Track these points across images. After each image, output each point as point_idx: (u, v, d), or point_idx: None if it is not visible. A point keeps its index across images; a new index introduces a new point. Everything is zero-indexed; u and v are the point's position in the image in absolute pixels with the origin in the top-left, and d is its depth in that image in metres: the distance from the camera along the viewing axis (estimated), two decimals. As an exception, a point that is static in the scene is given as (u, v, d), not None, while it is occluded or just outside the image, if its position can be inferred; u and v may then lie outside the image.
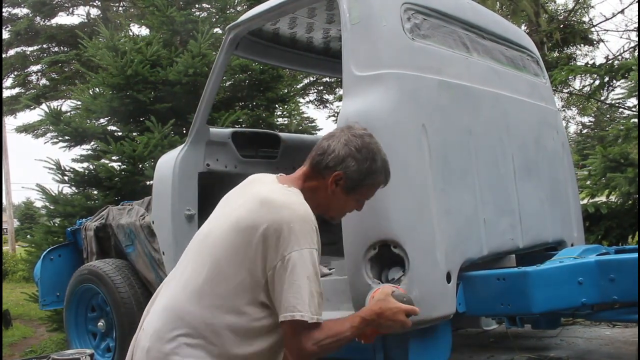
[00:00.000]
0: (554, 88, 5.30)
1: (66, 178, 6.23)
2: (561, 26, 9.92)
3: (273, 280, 1.59)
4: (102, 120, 6.76)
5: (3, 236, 20.08)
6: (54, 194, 6.07)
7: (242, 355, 1.61)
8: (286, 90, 7.47)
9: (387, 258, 2.31)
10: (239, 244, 1.61)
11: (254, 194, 1.70)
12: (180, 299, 1.64)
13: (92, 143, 6.55)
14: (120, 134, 6.40)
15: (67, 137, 6.39)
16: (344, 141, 1.80)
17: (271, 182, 1.79)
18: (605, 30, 10.73)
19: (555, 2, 13.62)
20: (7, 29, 13.33)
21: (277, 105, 7.38)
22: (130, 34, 7.53)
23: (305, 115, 10.95)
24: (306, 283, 1.58)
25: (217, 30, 7.16)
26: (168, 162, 3.37)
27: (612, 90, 6.34)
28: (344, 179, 1.78)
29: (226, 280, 1.61)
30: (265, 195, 1.68)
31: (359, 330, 1.72)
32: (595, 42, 10.55)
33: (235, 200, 1.77)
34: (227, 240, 1.63)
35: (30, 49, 13.85)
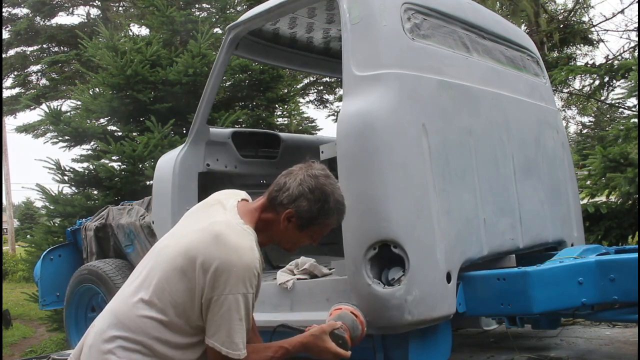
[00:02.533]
0: (554, 88, 5.30)
1: (66, 178, 6.23)
2: (561, 26, 9.92)
3: (207, 308, 1.71)
4: (102, 120, 6.76)
5: (3, 236, 20.08)
6: (54, 194, 6.07)
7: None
8: (286, 90, 7.47)
9: (387, 258, 2.31)
10: (185, 269, 1.72)
11: (212, 225, 1.78)
12: (126, 303, 1.76)
13: (92, 143, 6.55)
14: (120, 134, 6.40)
15: (67, 137, 6.39)
16: (299, 180, 1.89)
17: (231, 211, 1.87)
18: (605, 30, 10.73)
19: (555, 2, 13.61)
20: (7, 29, 13.32)
21: (277, 105, 7.39)
22: (130, 34, 7.53)
23: (305, 115, 10.95)
24: (238, 324, 1.71)
25: (217, 30, 7.16)
26: (168, 162, 3.37)
27: (612, 90, 6.35)
28: (296, 217, 1.86)
29: (169, 298, 1.72)
30: (219, 230, 1.76)
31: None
32: (595, 42, 10.55)
33: (195, 220, 1.86)
34: (176, 262, 1.74)
35: (30, 49, 13.84)
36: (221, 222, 1.80)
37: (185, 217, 1.97)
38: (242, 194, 2.00)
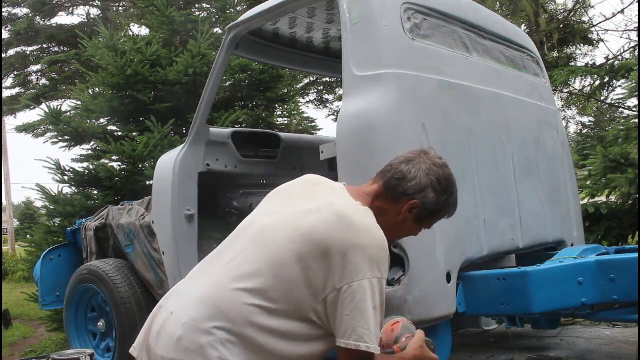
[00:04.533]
0: (554, 88, 5.30)
1: (66, 178, 6.23)
2: (561, 26, 9.92)
3: (336, 301, 1.50)
4: (102, 120, 6.76)
5: (3, 236, 20.08)
6: (54, 194, 6.07)
7: (287, 356, 1.54)
8: (286, 90, 7.47)
9: (387, 258, 2.31)
10: (305, 254, 1.52)
11: (330, 205, 1.61)
12: (225, 289, 1.53)
13: (92, 143, 6.55)
14: (120, 134, 6.40)
15: (67, 137, 6.39)
16: (426, 169, 1.72)
17: (341, 192, 1.70)
18: (605, 30, 10.73)
19: (555, 2, 13.61)
20: (7, 29, 13.33)
21: (277, 105, 7.39)
22: (130, 34, 7.53)
23: (305, 115, 10.96)
24: (373, 314, 1.51)
25: (217, 30, 7.16)
26: (168, 162, 3.37)
27: (613, 90, 6.35)
28: (420, 209, 1.72)
29: (281, 286, 1.51)
30: (342, 211, 1.59)
31: None
32: (595, 42, 10.55)
33: (301, 201, 1.67)
34: (293, 246, 1.53)
35: (30, 49, 13.85)
36: (340, 203, 1.62)
37: (276, 197, 1.76)
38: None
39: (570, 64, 7.63)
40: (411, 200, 1.70)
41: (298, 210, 1.62)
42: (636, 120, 5.03)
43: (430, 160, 1.75)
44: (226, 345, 1.48)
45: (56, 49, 13.48)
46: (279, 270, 1.52)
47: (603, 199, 5.18)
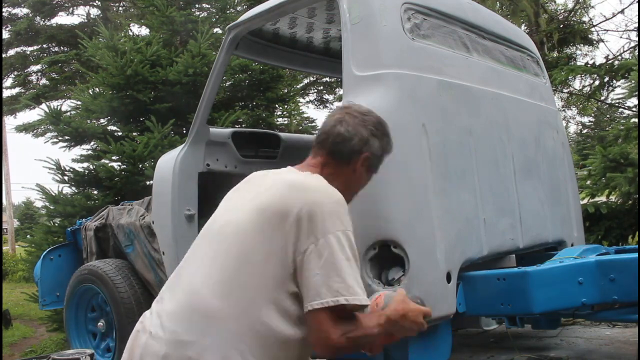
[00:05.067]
0: (554, 88, 5.30)
1: (66, 178, 6.23)
2: (561, 26, 9.92)
3: (302, 265, 1.45)
4: (102, 120, 6.76)
5: (3, 236, 20.08)
6: (54, 194, 6.07)
7: (283, 340, 1.48)
8: (286, 90, 7.47)
9: (387, 258, 2.31)
10: (268, 229, 1.48)
11: (280, 180, 1.62)
12: (204, 294, 1.48)
13: (92, 143, 6.55)
14: (120, 134, 6.40)
15: (67, 137, 6.39)
16: (360, 122, 1.75)
17: (289, 171, 1.73)
18: (605, 30, 10.73)
19: (555, 2, 13.61)
20: (7, 29, 13.32)
21: (277, 105, 7.38)
22: (130, 34, 7.53)
23: (305, 115, 10.95)
24: (347, 265, 1.45)
25: (217, 30, 7.16)
26: (168, 162, 3.37)
27: (612, 90, 6.35)
28: (370, 159, 1.75)
29: (256, 270, 1.47)
30: (293, 179, 1.61)
31: (383, 330, 1.57)
32: (595, 42, 10.55)
33: (250, 190, 1.66)
34: (255, 227, 1.50)
35: (30, 49, 13.84)
36: (288, 176, 1.65)
37: (229, 197, 1.74)
38: None
39: (570, 64, 7.62)
40: (362, 155, 1.73)
41: (248, 198, 1.61)
42: (636, 120, 5.03)
43: (357, 112, 1.78)
44: (215, 355, 1.43)
45: (56, 49, 13.48)
46: (251, 257, 1.48)
47: (603, 198, 5.19)
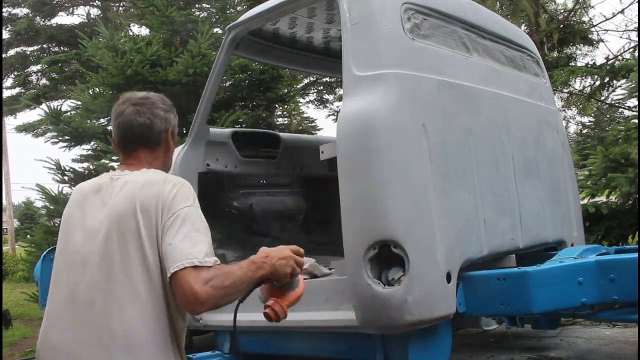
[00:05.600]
0: (554, 88, 5.30)
1: (66, 178, 6.23)
2: (561, 26, 9.91)
3: (163, 237, 1.61)
4: (102, 120, 6.76)
5: (3, 236, 20.08)
6: (54, 194, 6.08)
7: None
8: (286, 90, 7.47)
9: (387, 258, 2.31)
10: (128, 232, 1.63)
11: (127, 186, 1.72)
12: (93, 325, 1.59)
13: (92, 143, 6.55)
14: (120, 134, 6.39)
15: (67, 137, 6.39)
16: (150, 106, 1.89)
17: (124, 174, 1.81)
18: (605, 30, 10.72)
19: (555, 2, 13.61)
20: (7, 29, 13.32)
21: (277, 105, 7.39)
22: (130, 34, 7.53)
23: (305, 115, 10.97)
24: (197, 235, 1.61)
25: (217, 30, 7.16)
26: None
27: (613, 90, 6.35)
28: (174, 130, 1.96)
29: (147, 274, 1.61)
30: (140, 180, 1.73)
31: (249, 272, 1.64)
32: (595, 42, 10.55)
33: (95, 207, 1.75)
34: (125, 231, 1.64)
35: (30, 49, 13.85)
36: (132, 180, 1.75)
37: (71, 220, 1.79)
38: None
39: (570, 64, 7.62)
40: (168, 132, 1.91)
41: (99, 216, 1.71)
42: (636, 120, 5.03)
43: (141, 99, 1.90)
44: None
45: (56, 49, 13.48)
46: (124, 268, 1.61)
47: (603, 199, 5.18)
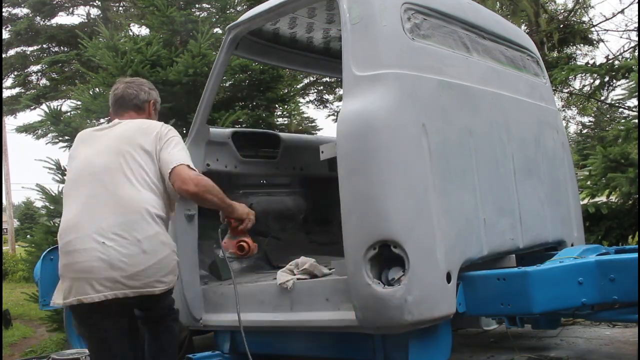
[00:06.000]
0: (554, 88, 5.30)
1: (66, 178, 6.21)
2: (561, 26, 9.91)
3: (161, 150, 2.41)
4: (102, 120, 6.74)
5: (3, 236, 20.08)
6: (54, 194, 6.07)
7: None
8: (286, 90, 7.46)
9: (387, 258, 2.31)
10: (149, 149, 2.42)
11: (128, 124, 2.54)
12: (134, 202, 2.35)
13: (92, 143, 6.53)
14: (120, 134, 6.38)
15: (67, 137, 6.38)
16: (138, 85, 2.71)
17: (117, 124, 2.59)
18: (605, 30, 10.71)
19: (555, 2, 13.61)
20: (7, 29, 13.32)
21: (277, 105, 7.37)
22: (130, 34, 7.52)
23: (305, 115, 10.95)
24: (184, 151, 2.46)
25: (217, 30, 7.15)
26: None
27: (612, 90, 6.35)
28: (155, 104, 2.74)
29: (150, 170, 2.40)
30: (138, 124, 2.53)
31: (227, 202, 2.59)
32: (595, 42, 10.54)
33: (102, 139, 2.55)
34: (137, 150, 2.41)
35: (30, 49, 13.84)
36: (130, 124, 2.54)
37: (84, 142, 2.69)
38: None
39: (570, 64, 7.61)
40: (150, 102, 2.71)
41: (103, 140, 2.52)
42: (636, 120, 5.02)
43: (130, 81, 2.74)
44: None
45: (56, 49, 13.47)
46: (142, 166, 2.39)
47: (603, 199, 5.18)
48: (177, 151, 2.39)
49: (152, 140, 2.41)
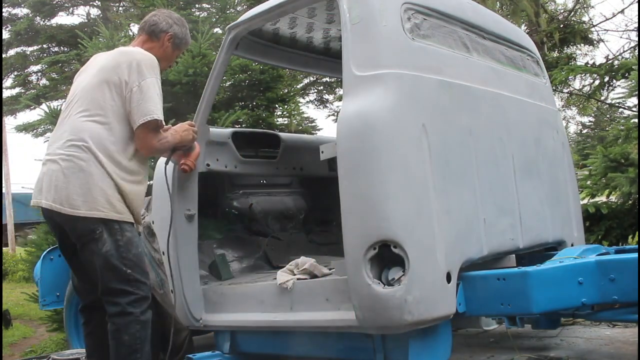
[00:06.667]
0: (554, 88, 5.30)
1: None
2: (561, 26, 9.91)
3: (131, 96, 2.54)
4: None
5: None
6: (54, 194, 6.05)
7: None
8: (286, 90, 7.46)
9: (387, 258, 2.31)
10: (108, 78, 2.57)
11: (114, 51, 2.73)
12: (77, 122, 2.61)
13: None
14: (120, 133, 6.37)
15: (67, 137, 6.37)
16: (167, 14, 2.91)
17: (119, 48, 2.83)
18: (605, 30, 10.71)
19: (555, 2, 13.60)
20: (7, 29, 13.30)
21: (277, 105, 7.37)
22: (130, 34, 7.52)
23: (305, 115, 10.94)
24: (158, 99, 2.59)
25: (217, 30, 7.15)
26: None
27: (612, 90, 6.35)
28: (173, 37, 2.86)
29: (102, 105, 2.59)
30: (121, 50, 2.75)
31: (170, 138, 2.74)
32: (595, 42, 10.53)
33: (91, 68, 2.73)
34: (98, 78, 2.59)
35: (30, 49, 13.82)
36: (118, 50, 2.75)
37: (81, 72, 2.82)
38: None
39: (570, 64, 7.61)
40: (167, 34, 2.84)
41: (93, 69, 2.69)
42: (636, 120, 5.02)
43: (167, 11, 2.98)
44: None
45: (56, 49, 13.46)
46: (97, 100, 2.57)
47: (603, 198, 5.18)
48: (142, 103, 2.54)
49: (122, 80, 2.59)
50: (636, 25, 9.40)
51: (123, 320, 2.50)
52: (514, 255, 3.01)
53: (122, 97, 2.56)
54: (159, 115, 2.56)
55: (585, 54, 13.63)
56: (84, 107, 2.58)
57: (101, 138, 2.54)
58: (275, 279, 2.85)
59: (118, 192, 2.55)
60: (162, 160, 3.49)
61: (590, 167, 5.04)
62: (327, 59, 3.93)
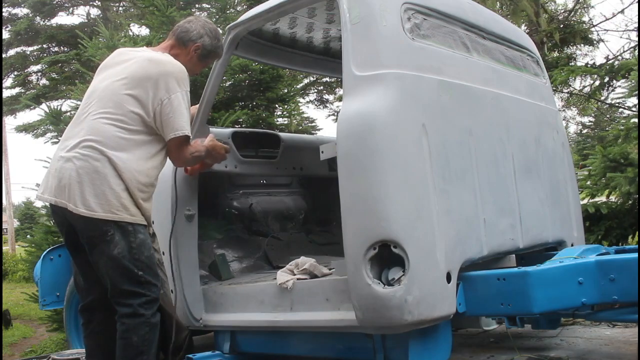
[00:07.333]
0: (554, 88, 5.30)
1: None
2: (561, 26, 9.91)
3: (161, 109, 2.53)
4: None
5: (3, 236, 20.07)
6: (54, 194, 6.05)
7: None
8: (286, 90, 7.45)
9: (387, 258, 2.31)
10: (135, 88, 2.53)
11: (140, 56, 2.61)
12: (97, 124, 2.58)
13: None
14: (120, 133, 6.37)
15: (67, 137, 6.37)
16: (202, 24, 2.80)
17: (146, 50, 2.70)
18: (605, 30, 10.72)
19: (555, 2, 13.60)
20: (7, 29, 13.33)
21: (277, 105, 7.37)
22: (130, 34, 7.53)
23: (305, 115, 10.95)
24: (186, 113, 2.58)
25: (217, 30, 7.14)
26: (168, 162, 3.36)
27: (612, 90, 6.35)
28: (201, 49, 2.78)
29: (129, 115, 2.54)
30: (150, 56, 2.61)
31: (204, 153, 2.82)
32: (595, 42, 10.53)
33: (120, 65, 2.63)
34: (125, 88, 2.53)
35: (30, 49, 13.85)
36: (146, 54, 2.63)
37: (101, 70, 2.72)
38: None
39: (570, 64, 7.62)
40: (195, 44, 2.77)
41: (117, 71, 2.60)
42: (636, 120, 5.02)
43: (203, 20, 2.86)
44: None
45: (56, 49, 13.48)
46: (121, 105, 2.52)
47: (603, 198, 5.18)
48: (173, 118, 2.55)
49: (149, 92, 2.56)
50: (636, 25, 9.40)
51: (134, 321, 2.51)
52: (514, 255, 3.01)
53: (147, 108, 2.53)
54: (188, 130, 2.59)
55: (586, 54, 13.62)
56: (104, 109, 2.54)
57: (118, 142, 2.52)
58: (275, 279, 2.85)
59: (131, 195, 2.53)
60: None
61: (590, 167, 5.04)
62: (327, 59, 3.93)
